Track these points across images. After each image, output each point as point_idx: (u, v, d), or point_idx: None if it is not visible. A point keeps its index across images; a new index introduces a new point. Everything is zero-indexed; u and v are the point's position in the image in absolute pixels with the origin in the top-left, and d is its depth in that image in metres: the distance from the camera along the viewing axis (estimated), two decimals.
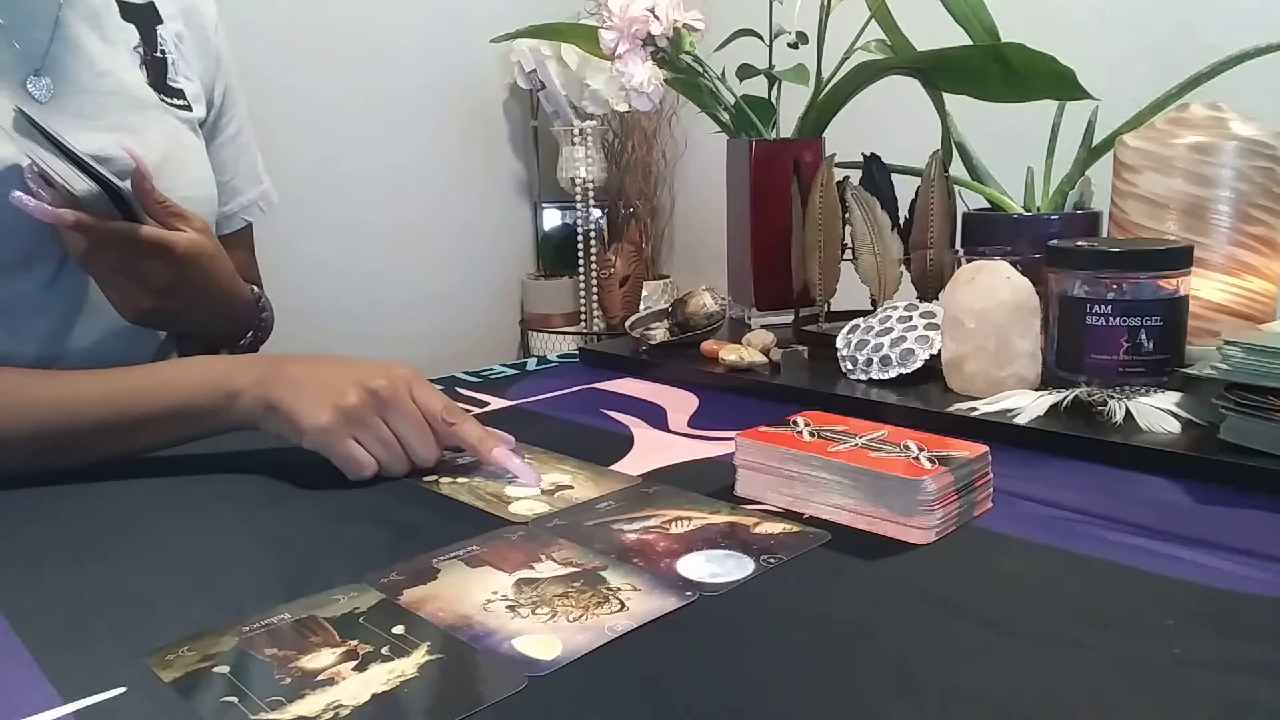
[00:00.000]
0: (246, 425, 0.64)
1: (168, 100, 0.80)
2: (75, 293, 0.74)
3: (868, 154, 0.93)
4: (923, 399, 0.73)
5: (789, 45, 1.05)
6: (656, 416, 0.78)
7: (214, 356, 0.70)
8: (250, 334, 0.86)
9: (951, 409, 0.69)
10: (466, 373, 0.96)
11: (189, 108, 0.82)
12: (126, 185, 0.66)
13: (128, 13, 0.79)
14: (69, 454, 0.64)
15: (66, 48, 0.73)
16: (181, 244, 0.68)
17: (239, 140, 0.91)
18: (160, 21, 0.82)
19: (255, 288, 0.87)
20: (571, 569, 0.49)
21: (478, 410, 0.82)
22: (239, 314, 0.82)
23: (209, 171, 0.84)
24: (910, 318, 0.80)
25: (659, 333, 0.98)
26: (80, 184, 0.63)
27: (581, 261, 1.91)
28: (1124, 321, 0.68)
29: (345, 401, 0.60)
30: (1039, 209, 0.93)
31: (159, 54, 0.80)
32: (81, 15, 0.75)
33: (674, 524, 0.54)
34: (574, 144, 1.87)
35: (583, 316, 1.94)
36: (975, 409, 0.69)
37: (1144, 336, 0.68)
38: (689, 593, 0.45)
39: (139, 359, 0.79)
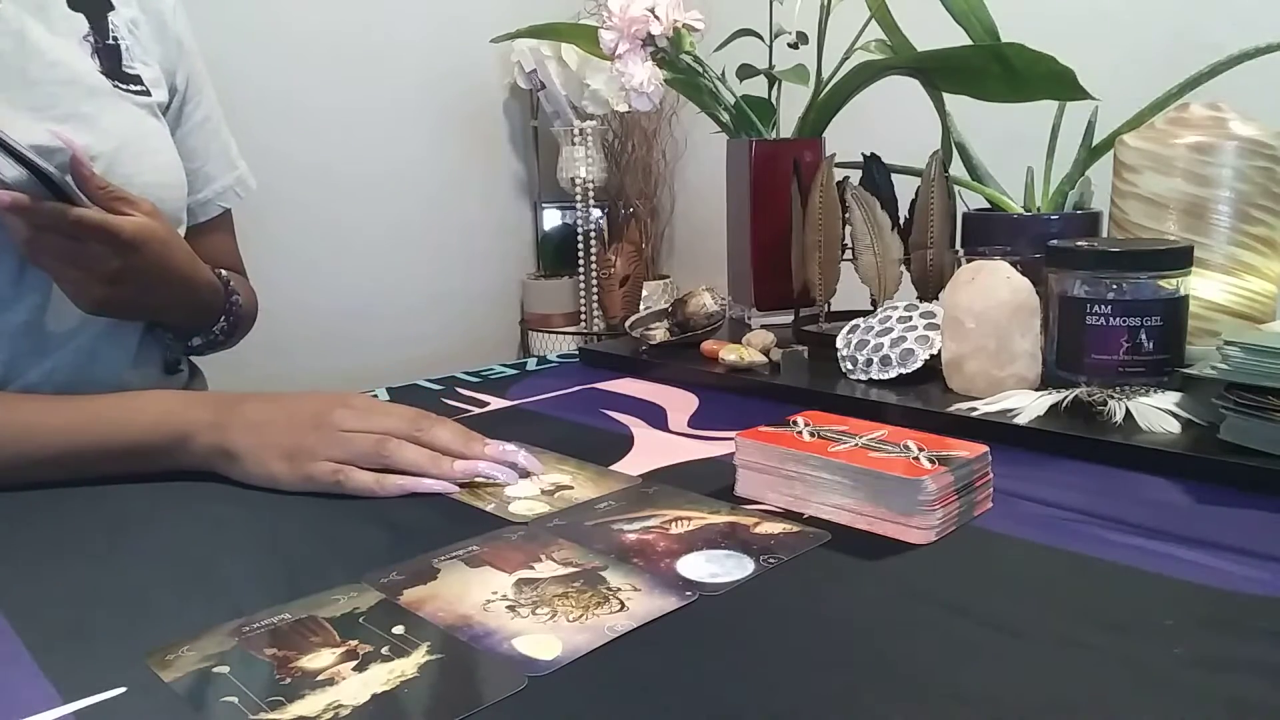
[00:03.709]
0: (203, 468, 0.64)
1: (123, 87, 0.78)
2: (44, 285, 0.72)
3: (868, 154, 0.93)
4: (923, 399, 0.73)
5: (789, 45, 1.05)
6: (656, 416, 0.78)
7: (173, 394, 0.69)
8: (222, 319, 0.84)
9: (951, 409, 0.69)
10: (466, 373, 0.96)
11: (148, 92, 0.80)
12: (65, 175, 0.64)
13: (76, 1, 0.77)
14: (19, 480, 0.63)
15: (12, 41, 0.71)
16: (127, 228, 0.67)
17: (208, 126, 0.90)
18: (111, 8, 0.80)
19: (223, 272, 0.85)
20: (571, 569, 0.49)
21: (477, 410, 0.82)
22: (206, 300, 0.81)
23: (174, 156, 0.82)
24: (910, 318, 0.80)
25: (659, 333, 0.98)
26: (11, 171, 0.62)
27: (581, 261, 1.91)
28: (1124, 321, 0.68)
29: (303, 441, 0.61)
30: (1039, 209, 0.93)
31: (111, 41, 0.79)
32: (26, 8, 0.73)
33: (674, 524, 0.54)
34: (574, 144, 1.87)
35: (583, 316, 1.94)
36: (975, 409, 0.69)
37: (1144, 336, 0.68)
38: (689, 593, 0.45)
39: (120, 349, 0.79)
